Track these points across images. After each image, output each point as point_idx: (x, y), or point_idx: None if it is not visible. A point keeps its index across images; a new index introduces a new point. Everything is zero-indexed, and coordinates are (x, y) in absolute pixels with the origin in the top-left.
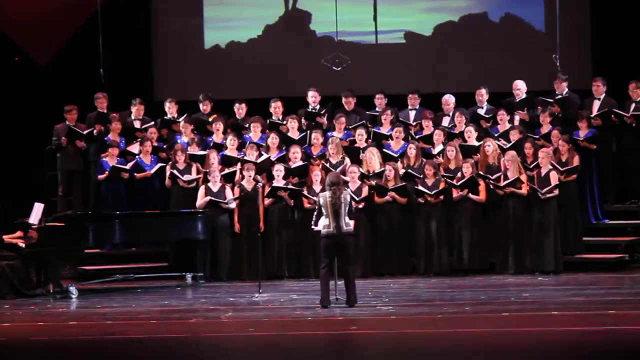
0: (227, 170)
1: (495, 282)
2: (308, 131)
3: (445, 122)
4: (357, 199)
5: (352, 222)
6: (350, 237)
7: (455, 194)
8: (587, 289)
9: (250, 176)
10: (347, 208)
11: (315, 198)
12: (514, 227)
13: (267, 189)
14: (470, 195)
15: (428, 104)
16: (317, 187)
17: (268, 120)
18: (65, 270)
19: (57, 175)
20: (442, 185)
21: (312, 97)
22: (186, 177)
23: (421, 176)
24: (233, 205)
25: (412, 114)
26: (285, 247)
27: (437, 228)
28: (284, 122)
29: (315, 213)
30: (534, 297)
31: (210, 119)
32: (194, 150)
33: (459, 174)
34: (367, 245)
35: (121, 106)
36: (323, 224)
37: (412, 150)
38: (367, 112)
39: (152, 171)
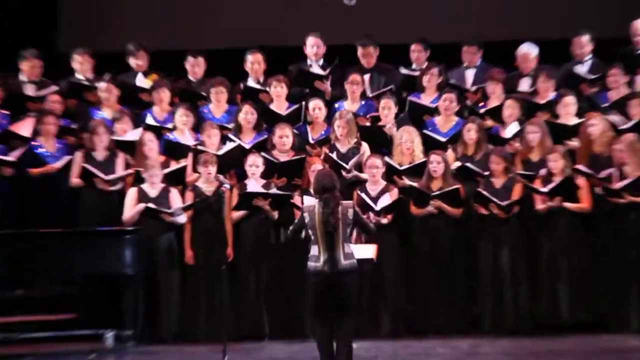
0: (175, 166)
1: (609, 344)
2: (303, 102)
3: (524, 86)
4: (376, 208)
5: (370, 249)
6: (352, 277)
7: (542, 203)
8: None
9: (209, 174)
10: (349, 229)
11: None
12: (637, 259)
13: (238, 195)
14: (566, 204)
15: (495, 58)
16: None
17: (241, 85)
18: None
19: None
20: (518, 190)
21: (313, 48)
22: (106, 177)
23: (485, 174)
24: (183, 219)
25: (469, 74)
26: (265, 287)
27: (511, 257)
28: (266, 88)
29: (292, 227)
30: None
31: (147, 82)
32: (122, 132)
33: (542, 171)
34: (398, 286)
35: (4, 63)
36: (311, 254)
37: (470, 133)
38: (399, 71)
39: (59, 165)
